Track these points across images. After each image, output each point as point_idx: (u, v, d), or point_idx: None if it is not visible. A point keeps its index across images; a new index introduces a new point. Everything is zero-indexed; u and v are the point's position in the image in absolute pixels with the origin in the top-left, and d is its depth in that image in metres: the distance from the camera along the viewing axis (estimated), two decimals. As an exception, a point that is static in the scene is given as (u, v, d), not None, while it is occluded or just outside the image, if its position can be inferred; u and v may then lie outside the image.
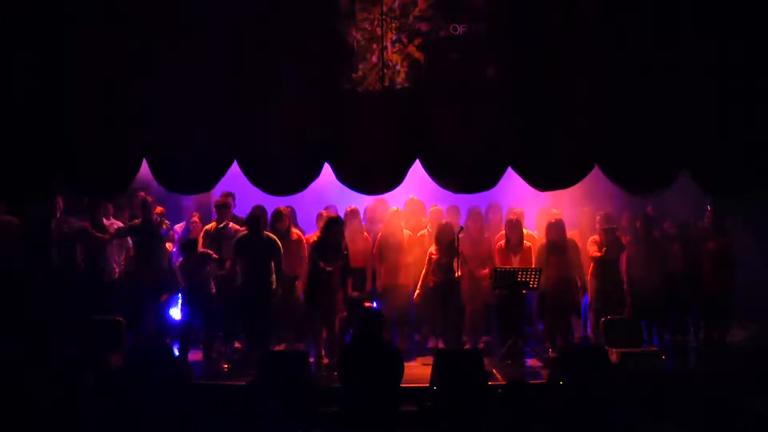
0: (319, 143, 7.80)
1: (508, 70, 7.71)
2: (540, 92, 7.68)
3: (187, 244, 8.27)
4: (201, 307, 8.11)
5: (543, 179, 7.97)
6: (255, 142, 7.83)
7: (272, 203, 8.65)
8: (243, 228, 8.35)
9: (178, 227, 9.25)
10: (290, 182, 7.95)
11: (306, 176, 7.89)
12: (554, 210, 9.04)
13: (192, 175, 7.95)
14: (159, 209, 8.84)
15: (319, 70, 7.72)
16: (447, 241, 8.18)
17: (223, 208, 8.63)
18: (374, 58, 7.69)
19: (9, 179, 7.77)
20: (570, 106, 7.66)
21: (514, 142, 7.76)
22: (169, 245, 8.74)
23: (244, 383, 6.82)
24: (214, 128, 7.75)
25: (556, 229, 8.17)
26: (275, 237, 8.10)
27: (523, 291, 8.12)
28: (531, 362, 8.16)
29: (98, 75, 7.69)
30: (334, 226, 8.06)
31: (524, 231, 8.61)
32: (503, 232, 8.62)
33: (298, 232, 8.67)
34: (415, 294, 8.44)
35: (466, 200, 9.06)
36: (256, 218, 8.07)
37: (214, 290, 8.24)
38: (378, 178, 7.91)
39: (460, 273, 8.03)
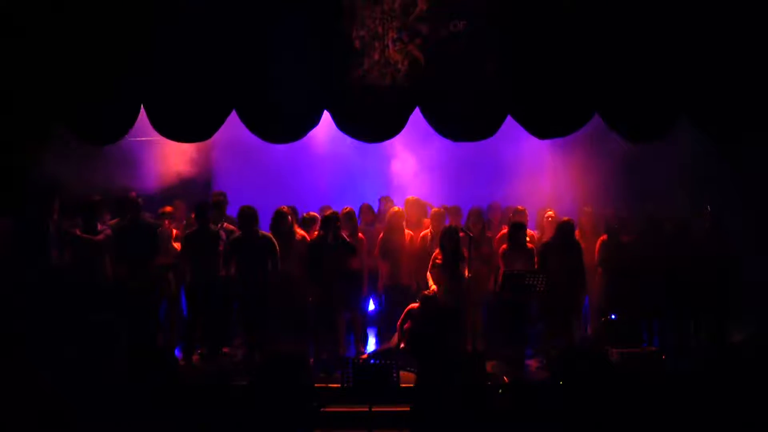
0: (319, 91, 7.81)
1: (508, 19, 7.72)
2: (539, 39, 7.70)
3: (199, 210, 8.13)
4: (209, 296, 7.99)
5: (542, 126, 8.00)
6: (254, 90, 7.83)
7: (272, 203, 8.62)
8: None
9: (181, 226, 9.20)
10: (289, 130, 7.99)
11: (305, 124, 7.94)
12: (550, 211, 9.05)
13: (190, 122, 7.98)
14: (169, 209, 8.86)
15: (320, 26, 7.76)
16: (452, 245, 8.08)
17: (219, 207, 8.64)
18: (376, 55, 7.69)
19: (9, 126, 7.78)
20: (569, 53, 7.69)
21: (513, 89, 7.79)
22: (176, 245, 8.69)
23: (244, 383, 6.81)
24: (212, 75, 7.76)
25: (564, 230, 8.15)
26: (271, 236, 8.07)
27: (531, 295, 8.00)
28: (531, 362, 8.16)
29: (98, 22, 7.69)
30: (330, 225, 8.02)
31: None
32: (504, 232, 8.58)
33: (302, 232, 8.64)
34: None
35: (466, 201, 9.09)
36: (247, 216, 8.03)
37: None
38: (378, 126, 7.94)
39: (469, 275, 7.95)
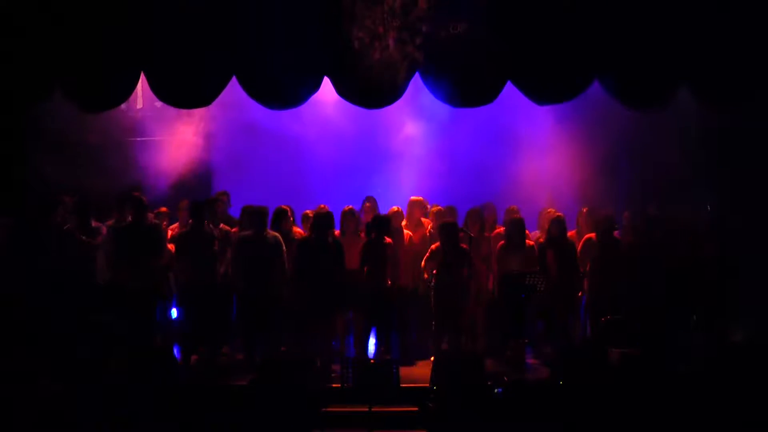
0: (319, 57, 7.86)
1: None
2: (539, 4, 7.75)
3: (194, 209, 8.08)
4: (207, 296, 7.97)
5: (541, 92, 8.06)
6: (253, 56, 7.88)
7: (272, 202, 8.62)
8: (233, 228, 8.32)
9: (174, 227, 9.19)
10: (289, 96, 8.07)
11: (305, 90, 8.01)
12: (551, 210, 9.04)
13: (190, 88, 8.02)
14: (164, 209, 8.84)
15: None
16: (451, 240, 8.03)
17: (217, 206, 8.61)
18: (376, 55, 7.69)
19: (8, 93, 7.81)
20: (569, 19, 7.72)
21: (513, 54, 7.83)
22: (171, 246, 8.67)
23: (245, 384, 6.82)
24: (213, 41, 7.79)
25: (558, 226, 8.15)
26: (279, 236, 8.05)
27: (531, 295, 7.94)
28: (531, 362, 8.15)
29: None
30: (322, 223, 7.96)
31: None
32: (499, 231, 8.56)
33: (300, 231, 8.63)
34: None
35: (466, 201, 9.08)
36: (260, 215, 7.97)
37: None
38: (378, 92, 7.98)
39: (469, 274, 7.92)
